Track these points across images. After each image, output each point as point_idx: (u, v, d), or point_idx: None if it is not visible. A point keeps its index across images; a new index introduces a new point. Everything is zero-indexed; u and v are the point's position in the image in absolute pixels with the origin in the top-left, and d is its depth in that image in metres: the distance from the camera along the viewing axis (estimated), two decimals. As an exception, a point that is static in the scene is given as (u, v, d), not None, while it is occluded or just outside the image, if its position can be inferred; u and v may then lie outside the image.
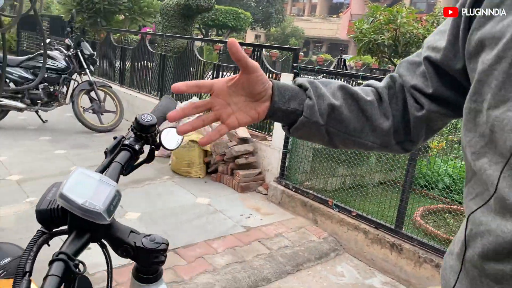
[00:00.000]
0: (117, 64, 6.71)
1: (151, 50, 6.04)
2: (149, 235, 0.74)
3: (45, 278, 0.58)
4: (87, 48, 5.52)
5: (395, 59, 6.22)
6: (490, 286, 0.58)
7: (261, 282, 2.55)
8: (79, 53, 5.39)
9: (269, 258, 2.76)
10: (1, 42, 2.86)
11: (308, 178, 3.68)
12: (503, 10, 0.58)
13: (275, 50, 13.54)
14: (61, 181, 0.71)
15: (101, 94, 5.52)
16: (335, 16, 35.56)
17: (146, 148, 0.90)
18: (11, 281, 2.06)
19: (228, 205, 3.52)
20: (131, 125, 0.87)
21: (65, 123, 5.76)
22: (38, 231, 0.70)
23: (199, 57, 5.27)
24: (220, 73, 4.83)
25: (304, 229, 3.24)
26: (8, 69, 5.00)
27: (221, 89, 0.68)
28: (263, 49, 4.69)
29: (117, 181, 0.76)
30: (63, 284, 0.60)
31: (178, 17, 7.55)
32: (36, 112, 5.29)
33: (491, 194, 0.56)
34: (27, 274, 0.62)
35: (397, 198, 2.93)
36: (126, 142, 0.85)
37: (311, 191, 3.42)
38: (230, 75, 4.76)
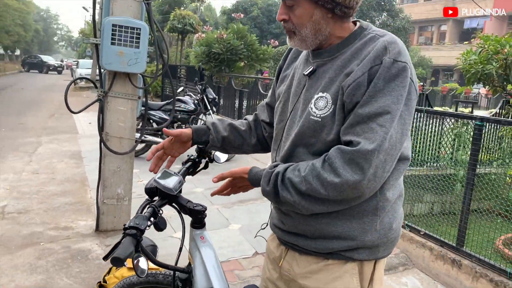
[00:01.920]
0: (237, 103, 7.83)
1: (262, 91, 7.00)
2: (197, 204, 1.46)
3: (144, 213, 1.33)
4: (211, 93, 6.70)
5: (509, 86, 6.12)
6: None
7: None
8: (204, 97, 6.58)
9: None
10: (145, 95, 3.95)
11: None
12: (286, 79, 1.36)
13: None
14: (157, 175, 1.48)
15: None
16: (466, 42, 33.59)
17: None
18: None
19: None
20: (196, 149, 1.62)
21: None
22: (145, 199, 1.47)
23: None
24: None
25: (379, 246, 3.65)
26: (152, 112, 6.37)
27: (168, 142, 1.51)
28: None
29: (184, 176, 1.49)
30: (152, 218, 1.33)
31: (289, 60, 8.44)
32: (171, 146, 6.56)
33: None
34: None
35: (481, 224, 3.20)
36: (192, 157, 1.59)
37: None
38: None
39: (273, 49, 9.19)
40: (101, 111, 3.60)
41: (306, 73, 1.23)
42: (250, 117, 1.60)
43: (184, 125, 6.54)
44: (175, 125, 6.46)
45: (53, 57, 53.49)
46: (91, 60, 25.41)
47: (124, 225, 1.28)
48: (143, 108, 3.91)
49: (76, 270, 3.09)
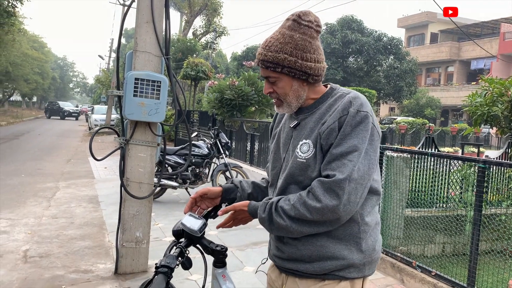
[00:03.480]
0: (248, 147, 8.05)
1: (273, 135, 7.22)
2: (218, 245, 1.61)
3: (173, 253, 1.49)
4: (223, 138, 6.94)
5: (516, 127, 6.23)
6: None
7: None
8: (217, 142, 6.82)
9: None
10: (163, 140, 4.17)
11: (400, 243, 4.14)
12: (276, 135, 1.65)
13: (402, 122, 13.82)
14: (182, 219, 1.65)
15: (234, 173, 6.78)
16: (473, 83, 34.00)
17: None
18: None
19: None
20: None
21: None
22: (172, 240, 1.63)
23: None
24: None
25: (391, 287, 3.70)
26: (167, 157, 6.60)
27: (198, 198, 1.66)
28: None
29: (206, 219, 1.66)
30: (180, 257, 1.49)
31: (299, 104, 8.76)
32: (186, 189, 6.74)
33: None
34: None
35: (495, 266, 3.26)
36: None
37: (398, 254, 3.89)
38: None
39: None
40: (123, 157, 3.82)
41: (292, 125, 1.53)
42: (267, 177, 1.84)
43: (198, 169, 6.73)
44: (190, 169, 6.67)
45: (70, 103, 54.97)
46: (106, 106, 26.19)
47: (156, 263, 1.43)
48: (161, 153, 4.13)
49: (97, 312, 3.19)
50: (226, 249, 1.61)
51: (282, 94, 1.47)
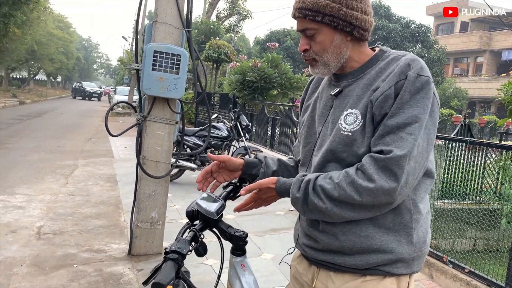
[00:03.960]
0: (269, 131, 7.83)
1: (295, 119, 6.97)
2: (238, 230, 1.41)
3: (185, 237, 1.29)
4: (244, 120, 6.73)
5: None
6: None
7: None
8: (238, 124, 6.61)
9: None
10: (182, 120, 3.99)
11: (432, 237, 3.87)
12: (309, 107, 1.41)
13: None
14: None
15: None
16: (504, 74, 32.77)
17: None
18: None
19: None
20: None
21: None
22: (186, 222, 1.44)
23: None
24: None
25: (419, 282, 3.47)
26: (186, 137, 6.44)
27: (216, 166, 1.45)
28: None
29: (225, 200, 1.46)
30: (193, 242, 1.29)
31: (323, 89, 8.44)
32: (204, 171, 6.58)
33: None
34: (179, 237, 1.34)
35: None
36: (233, 181, 1.56)
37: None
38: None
39: (307, 77, 9.24)
40: (139, 135, 3.65)
41: (333, 93, 1.29)
42: (294, 157, 1.61)
43: (217, 151, 6.56)
44: (208, 151, 6.50)
45: (94, 84, 55.50)
46: (128, 87, 26.26)
47: (165, 248, 1.24)
48: (178, 134, 3.95)
49: (108, 293, 3.06)
50: (247, 235, 1.41)
51: (320, 51, 1.25)
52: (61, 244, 3.94)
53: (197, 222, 1.42)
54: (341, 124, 1.22)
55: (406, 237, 1.21)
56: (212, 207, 1.36)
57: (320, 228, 1.26)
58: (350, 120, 1.21)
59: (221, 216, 1.40)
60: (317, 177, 1.21)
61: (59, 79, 65.24)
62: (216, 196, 1.40)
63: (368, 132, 1.18)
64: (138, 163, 3.61)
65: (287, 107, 7.85)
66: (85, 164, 8.02)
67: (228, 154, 6.70)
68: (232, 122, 6.68)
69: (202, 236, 1.32)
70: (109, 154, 9.37)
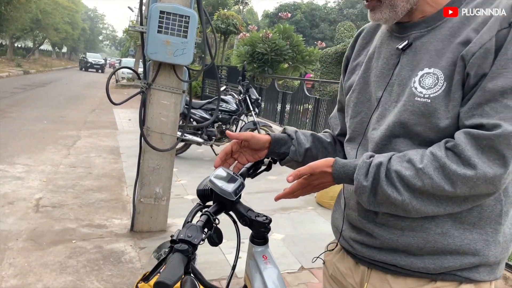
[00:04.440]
0: (279, 106, 7.53)
1: (307, 94, 6.67)
2: (259, 214, 1.16)
3: (196, 222, 1.04)
4: (254, 94, 6.43)
5: None
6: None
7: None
8: (247, 98, 6.31)
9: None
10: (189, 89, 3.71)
11: None
12: (358, 67, 1.13)
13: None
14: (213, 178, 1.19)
15: (263, 132, 6.31)
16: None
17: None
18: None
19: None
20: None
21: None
22: (196, 203, 1.19)
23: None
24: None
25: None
26: (192, 110, 6.16)
27: (236, 147, 1.17)
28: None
29: (244, 178, 1.20)
30: (206, 228, 1.05)
31: (335, 63, 8.09)
32: (211, 146, 6.33)
33: None
34: (188, 223, 1.09)
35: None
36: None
37: None
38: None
39: (320, 50, 8.85)
40: (143, 104, 3.38)
41: (400, 47, 0.99)
42: (331, 131, 1.31)
43: (224, 126, 6.29)
44: (216, 125, 6.23)
45: (100, 55, 54.82)
46: (134, 59, 25.87)
47: (172, 236, 0.99)
48: (185, 106, 3.68)
49: (107, 273, 2.86)
50: (270, 220, 1.15)
51: None
52: (60, 218, 3.73)
53: (209, 203, 1.17)
54: (415, 88, 0.93)
55: (494, 235, 0.94)
56: (229, 186, 1.10)
57: (378, 220, 0.99)
58: (428, 82, 0.92)
59: (240, 196, 1.14)
60: (389, 159, 0.91)
61: (64, 49, 64.69)
62: (233, 173, 1.15)
63: (455, 99, 0.89)
64: (142, 135, 3.36)
65: (298, 82, 7.52)
66: (88, 135, 7.79)
67: (236, 129, 6.43)
68: (241, 95, 6.38)
69: (216, 222, 1.07)
70: (113, 126, 9.13)
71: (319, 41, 9.51)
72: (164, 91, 3.37)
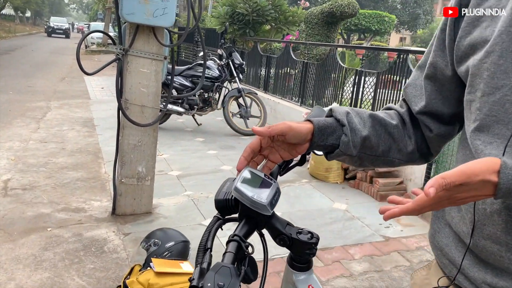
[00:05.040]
0: (263, 71, 7.14)
1: (294, 58, 6.29)
2: (302, 229, 0.85)
3: (224, 254, 0.72)
4: (237, 58, 6.00)
5: None
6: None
7: (399, 293, 2.50)
8: (230, 62, 5.89)
9: (409, 271, 2.68)
10: (171, 55, 3.31)
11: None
12: (488, 17, 0.71)
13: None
14: (231, 177, 0.86)
15: (248, 100, 5.94)
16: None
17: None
18: (174, 261, 2.43)
19: (366, 213, 3.49)
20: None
21: (216, 126, 6.34)
22: (214, 216, 0.86)
23: (341, 64, 5.32)
24: (362, 78, 4.79)
25: None
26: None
27: (266, 142, 0.82)
28: (409, 54, 4.48)
29: (276, 179, 0.88)
30: (237, 260, 0.73)
31: (321, 24, 7.68)
32: (193, 116, 5.94)
33: None
34: (209, 250, 0.77)
35: None
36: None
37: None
38: (373, 80, 4.65)
39: (304, 11, 8.38)
40: (120, 73, 2.97)
41: None
42: (397, 107, 0.93)
43: (207, 93, 5.89)
44: (197, 93, 5.81)
45: (66, 20, 52.07)
46: (103, 23, 24.60)
47: (192, 280, 0.67)
48: (166, 75, 3.29)
49: (89, 266, 2.54)
50: (318, 239, 0.84)
51: None
52: (32, 202, 3.36)
53: (230, 216, 0.85)
54: None
55: None
56: (263, 195, 0.78)
57: None
58: None
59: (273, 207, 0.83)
60: None
61: (28, 14, 61.32)
62: (265, 176, 0.82)
63: None
64: (120, 108, 2.97)
65: (282, 44, 7.10)
66: (58, 106, 7.26)
67: (219, 96, 6.04)
68: (224, 60, 5.95)
69: (249, 250, 0.75)
70: (85, 95, 8.57)
71: (303, 0, 9.02)
72: (143, 58, 2.96)
